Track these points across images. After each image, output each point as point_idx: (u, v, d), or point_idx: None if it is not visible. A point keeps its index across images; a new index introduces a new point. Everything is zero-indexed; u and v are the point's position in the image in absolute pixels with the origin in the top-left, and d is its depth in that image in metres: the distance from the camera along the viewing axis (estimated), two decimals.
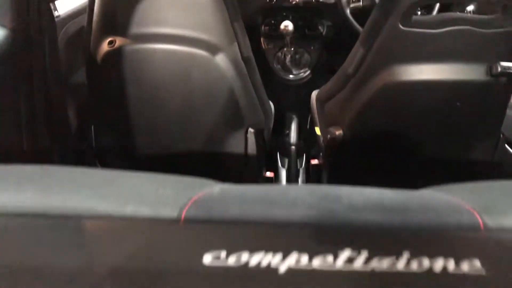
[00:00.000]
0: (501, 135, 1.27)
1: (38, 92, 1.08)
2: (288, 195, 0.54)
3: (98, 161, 1.31)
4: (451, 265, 0.35)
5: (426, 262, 0.35)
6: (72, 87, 1.38)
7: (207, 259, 0.36)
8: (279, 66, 2.10)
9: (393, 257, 0.36)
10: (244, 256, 0.36)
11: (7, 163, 0.52)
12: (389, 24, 1.04)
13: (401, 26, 1.03)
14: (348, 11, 1.74)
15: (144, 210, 0.45)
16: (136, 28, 1.09)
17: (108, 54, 1.11)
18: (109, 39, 1.10)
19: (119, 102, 1.17)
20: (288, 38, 1.87)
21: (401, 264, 0.35)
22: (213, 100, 1.17)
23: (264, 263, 0.35)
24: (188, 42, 1.09)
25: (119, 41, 1.10)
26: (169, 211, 0.45)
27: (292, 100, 2.15)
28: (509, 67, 1.05)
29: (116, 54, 1.10)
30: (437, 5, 1.57)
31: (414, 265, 0.35)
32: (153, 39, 1.09)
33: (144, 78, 1.13)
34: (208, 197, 0.50)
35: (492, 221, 0.44)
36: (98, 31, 1.12)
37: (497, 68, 1.05)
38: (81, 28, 1.39)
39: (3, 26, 0.98)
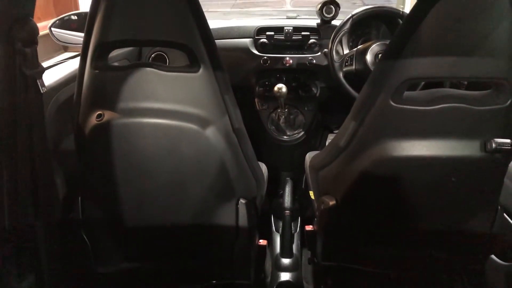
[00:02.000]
0: (499, 207, 1.24)
1: (23, 168, 1.06)
2: None
3: (84, 232, 1.27)
4: None
5: None
6: (61, 153, 1.36)
7: None
8: (273, 127, 2.10)
9: None
10: None
11: None
12: (380, 100, 1.04)
13: (392, 103, 1.02)
14: (341, 74, 1.75)
15: None
16: (125, 103, 1.07)
17: (96, 127, 1.09)
18: (98, 112, 1.09)
19: (107, 174, 1.14)
20: (282, 100, 1.87)
21: None
22: (203, 173, 1.14)
23: None
24: (178, 116, 1.07)
25: (107, 114, 1.08)
26: None
27: (286, 160, 2.13)
28: (504, 144, 1.04)
29: (104, 128, 1.08)
30: None
31: None
32: (142, 113, 1.08)
33: (133, 152, 1.11)
34: None
35: None
36: (87, 104, 1.11)
37: (491, 145, 1.03)
38: (71, 96, 1.39)
39: None
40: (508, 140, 1.04)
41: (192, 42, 1.02)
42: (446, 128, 1.05)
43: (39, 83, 1.04)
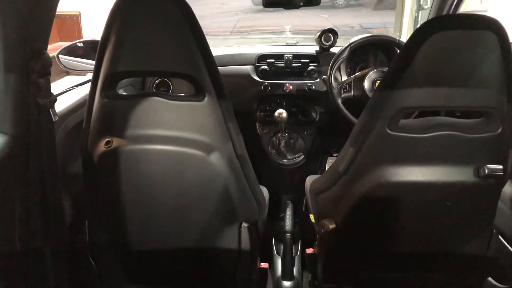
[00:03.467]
0: (494, 230, 1.28)
1: (34, 194, 1.10)
2: None
3: (90, 256, 1.30)
4: None
5: None
6: (68, 178, 1.40)
7: None
8: (274, 151, 2.15)
9: None
10: None
11: None
12: (378, 128, 1.08)
13: (388, 130, 1.07)
14: (339, 100, 1.80)
15: None
16: (132, 130, 1.12)
17: (105, 154, 1.13)
18: (106, 139, 1.13)
19: (114, 199, 1.18)
20: (282, 124, 1.92)
21: None
22: (207, 197, 1.18)
23: None
24: (183, 142, 1.12)
25: (115, 141, 1.13)
26: None
27: (287, 183, 2.17)
28: (496, 169, 1.08)
29: (112, 154, 1.12)
30: None
31: None
32: (149, 140, 1.12)
33: (139, 177, 1.15)
34: None
35: None
36: (95, 131, 1.15)
37: (484, 171, 1.08)
38: (80, 122, 1.44)
39: (3, 132, 1.01)
40: (500, 166, 1.08)
41: (197, 73, 1.07)
42: (440, 154, 1.09)
43: (51, 112, 1.09)
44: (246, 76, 2.04)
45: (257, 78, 2.04)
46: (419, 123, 1.11)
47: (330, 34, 2.00)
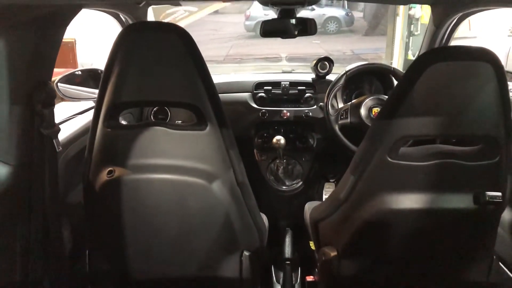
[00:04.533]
0: (494, 257, 1.28)
1: (35, 225, 1.09)
2: None
3: (90, 286, 1.29)
4: None
5: None
6: (68, 206, 1.39)
7: None
8: (272, 177, 2.15)
9: None
10: None
11: None
12: (378, 156, 1.10)
13: (389, 159, 1.09)
14: (337, 127, 1.83)
15: None
16: (135, 159, 1.12)
17: (107, 183, 1.13)
18: (109, 169, 1.14)
19: (116, 228, 1.18)
20: (280, 150, 1.93)
21: None
22: (209, 226, 1.18)
23: None
24: (185, 171, 1.12)
25: (118, 171, 1.13)
26: None
27: (285, 210, 2.17)
28: (495, 196, 1.09)
29: (115, 184, 1.12)
30: None
31: None
32: (152, 169, 1.12)
33: (141, 206, 1.15)
34: None
35: None
36: (98, 161, 1.16)
37: (484, 197, 1.09)
38: (80, 150, 1.44)
39: (6, 163, 1.01)
40: (499, 193, 1.10)
41: (200, 102, 1.09)
42: (439, 182, 1.11)
43: (55, 143, 1.09)
44: (244, 103, 2.07)
45: (254, 105, 2.07)
46: (419, 151, 1.12)
47: (326, 62, 2.04)
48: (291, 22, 1.78)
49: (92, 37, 4.89)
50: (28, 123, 1.05)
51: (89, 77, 2.06)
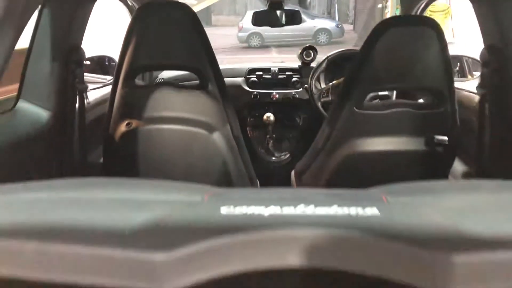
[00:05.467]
0: None
1: (67, 162, 1.33)
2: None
3: None
4: None
5: None
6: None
7: None
8: (263, 150, 2.41)
9: None
10: None
11: None
12: (347, 108, 1.35)
13: (356, 110, 1.34)
14: (319, 104, 2.09)
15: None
16: (149, 113, 1.37)
17: (125, 133, 1.37)
18: (127, 121, 1.38)
19: (130, 174, 1.41)
20: (270, 127, 2.19)
21: None
22: (210, 172, 1.41)
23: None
24: (190, 123, 1.37)
25: (135, 123, 1.37)
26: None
27: (275, 178, 2.42)
28: (442, 140, 1.35)
29: (132, 134, 1.37)
30: None
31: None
32: (162, 121, 1.37)
33: (153, 153, 1.39)
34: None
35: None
36: (117, 115, 1.40)
37: (433, 140, 1.35)
38: (95, 118, 1.68)
39: (48, 109, 1.26)
40: (445, 137, 1.35)
41: (202, 66, 1.34)
42: (398, 127, 1.36)
43: (85, 96, 1.34)
44: (238, 87, 2.33)
45: (247, 88, 2.33)
46: (379, 103, 1.38)
47: (311, 51, 2.31)
48: (279, 12, 2.05)
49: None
50: (65, 78, 1.29)
51: (97, 65, 2.31)
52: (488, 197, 0.72)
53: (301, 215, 0.57)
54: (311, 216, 0.57)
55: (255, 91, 2.32)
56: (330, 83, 2.10)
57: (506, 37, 1.24)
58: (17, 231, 0.55)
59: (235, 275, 0.48)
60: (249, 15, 12.50)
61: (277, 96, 2.32)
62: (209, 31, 1.47)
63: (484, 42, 1.32)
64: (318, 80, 2.20)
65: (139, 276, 0.47)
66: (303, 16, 12.68)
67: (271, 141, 2.36)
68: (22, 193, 0.65)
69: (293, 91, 2.32)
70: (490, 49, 1.29)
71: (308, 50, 2.32)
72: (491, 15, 1.27)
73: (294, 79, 2.33)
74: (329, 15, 16.80)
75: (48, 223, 0.60)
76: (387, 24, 1.30)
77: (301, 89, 2.32)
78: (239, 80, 2.34)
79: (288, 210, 0.58)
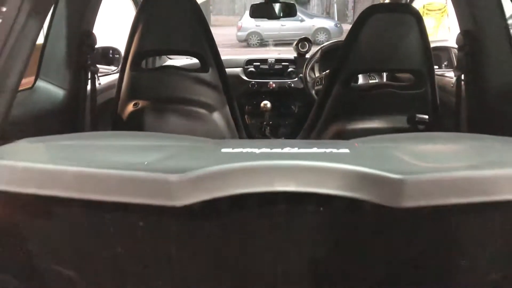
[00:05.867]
0: None
1: None
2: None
3: None
4: None
5: None
6: None
7: None
8: (260, 136, 2.53)
9: None
10: None
11: None
12: (336, 89, 1.48)
13: (344, 90, 1.47)
14: (313, 92, 2.21)
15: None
16: (155, 94, 1.49)
17: (133, 112, 1.49)
18: (134, 102, 1.50)
19: None
20: (267, 115, 2.31)
21: None
22: None
23: None
24: (192, 103, 1.49)
25: (141, 103, 1.50)
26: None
27: None
28: (423, 118, 1.47)
29: (139, 113, 1.49)
30: None
31: None
32: (167, 101, 1.49)
33: (158, 131, 1.51)
34: None
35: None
36: (125, 97, 1.52)
37: (414, 119, 1.47)
38: (105, 101, 1.80)
39: (63, 88, 1.38)
40: (426, 116, 1.48)
41: (203, 51, 1.46)
42: (382, 107, 1.48)
43: (96, 77, 1.47)
44: (237, 76, 2.45)
45: (245, 78, 2.45)
46: (365, 84, 1.51)
47: (306, 42, 2.44)
48: (276, 5, 2.18)
49: None
50: (78, 61, 1.42)
51: (102, 55, 2.43)
52: (440, 142, 0.87)
53: (287, 153, 0.71)
54: (294, 153, 0.71)
55: (253, 80, 2.45)
56: (324, 72, 2.22)
57: (479, 22, 1.37)
58: (61, 162, 0.69)
59: (232, 197, 0.62)
60: (248, 15, 12.67)
61: (274, 85, 2.44)
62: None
63: (460, 28, 1.45)
64: (312, 69, 2.33)
65: (157, 194, 0.61)
66: (302, 16, 12.90)
67: (268, 128, 2.49)
68: (67, 140, 0.80)
69: (289, 81, 2.45)
70: (465, 34, 1.41)
71: (304, 42, 2.44)
72: (465, 2, 1.39)
73: (290, 69, 2.46)
74: (328, 15, 16.95)
75: (86, 156, 0.73)
76: (372, 10, 1.42)
77: (296, 79, 2.44)
78: (238, 70, 2.47)
79: (276, 150, 0.72)
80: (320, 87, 2.20)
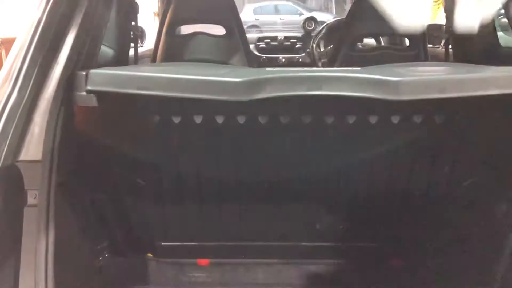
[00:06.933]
0: None
1: None
2: None
3: None
4: None
5: None
6: None
7: None
8: None
9: None
10: None
11: None
12: (343, 51, 1.73)
13: (350, 52, 1.72)
14: (320, 64, 2.46)
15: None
16: (186, 55, 1.75)
17: None
18: (169, 63, 1.75)
19: None
20: None
21: None
22: None
23: None
24: (219, 63, 1.73)
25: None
26: None
27: None
28: None
29: None
30: None
31: None
32: (196, 61, 1.73)
33: None
34: None
35: None
36: (161, 57, 1.77)
37: None
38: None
39: (110, 47, 1.62)
40: None
41: (228, 21, 1.72)
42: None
43: (139, 41, 1.71)
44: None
45: (257, 53, 2.70)
46: (369, 47, 1.76)
47: (312, 21, 2.69)
48: None
49: None
50: (125, 25, 1.66)
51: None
52: (428, 65, 1.15)
53: (313, 70, 0.99)
54: (319, 71, 1.00)
55: (264, 55, 2.70)
56: (329, 47, 2.47)
57: None
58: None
59: (275, 98, 0.88)
60: (247, 8, 12.90)
61: (283, 60, 2.69)
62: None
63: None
64: (318, 45, 2.58)
65: (225, 92, 0.86)
66: (301, 10, 13.09)
67: None
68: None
69: (296, 56, 2.70)
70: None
71: (310, 21, 2.69)
72: None
73: (297, 45, 2.71)
74: (327, 9, 17.15)
75: (172, 73, 0.99)
76: None
77: (303, 54, 2.69)
78: (251, 46, 2.71)
79: (307, 72, 0.99)
80: (325, 59, 2.45)
